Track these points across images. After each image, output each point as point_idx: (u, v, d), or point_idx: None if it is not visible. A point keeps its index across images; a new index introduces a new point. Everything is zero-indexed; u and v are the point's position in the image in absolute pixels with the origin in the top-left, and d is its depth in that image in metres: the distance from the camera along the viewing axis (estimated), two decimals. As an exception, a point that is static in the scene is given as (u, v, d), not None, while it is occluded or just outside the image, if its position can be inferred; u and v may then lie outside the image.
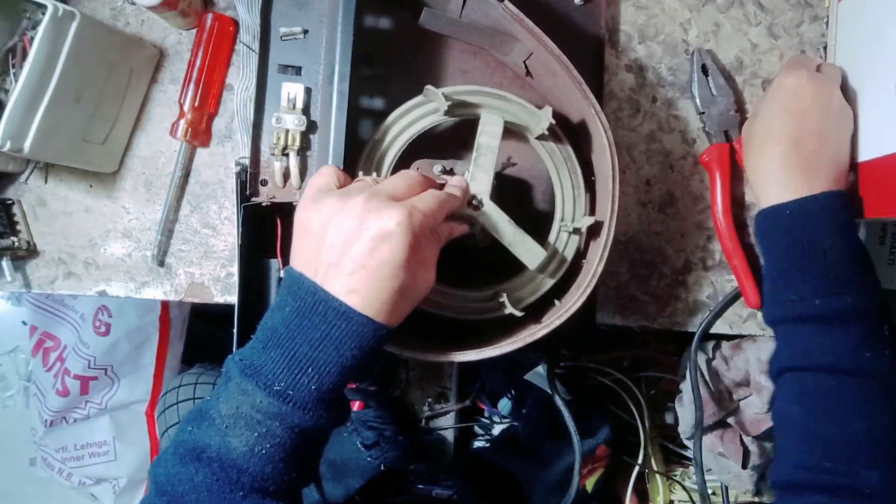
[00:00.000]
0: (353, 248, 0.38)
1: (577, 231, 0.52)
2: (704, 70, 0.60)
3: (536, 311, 0.51)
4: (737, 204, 0.61)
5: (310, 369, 0.37)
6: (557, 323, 0.46)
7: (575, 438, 0.62)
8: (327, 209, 0.39)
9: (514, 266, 0.50)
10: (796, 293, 0.49)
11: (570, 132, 0.53)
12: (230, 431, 0.36)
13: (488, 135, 0.48)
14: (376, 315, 0.38)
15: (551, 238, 0.52)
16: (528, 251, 0.48)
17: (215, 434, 0.36)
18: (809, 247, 0.48)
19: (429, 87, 0.48)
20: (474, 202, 0.47)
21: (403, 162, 0.51)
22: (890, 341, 0.47)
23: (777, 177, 0.51)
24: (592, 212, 0.53)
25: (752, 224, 0.62)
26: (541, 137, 0.51)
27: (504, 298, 0.49)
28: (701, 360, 0.66)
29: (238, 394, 0.37)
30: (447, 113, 0.49)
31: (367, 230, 0.37)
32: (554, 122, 0.49)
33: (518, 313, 0.49)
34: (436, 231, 0.43)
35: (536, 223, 0.51)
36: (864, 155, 0.55)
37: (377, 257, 0.37)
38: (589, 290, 0.47)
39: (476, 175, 0.48)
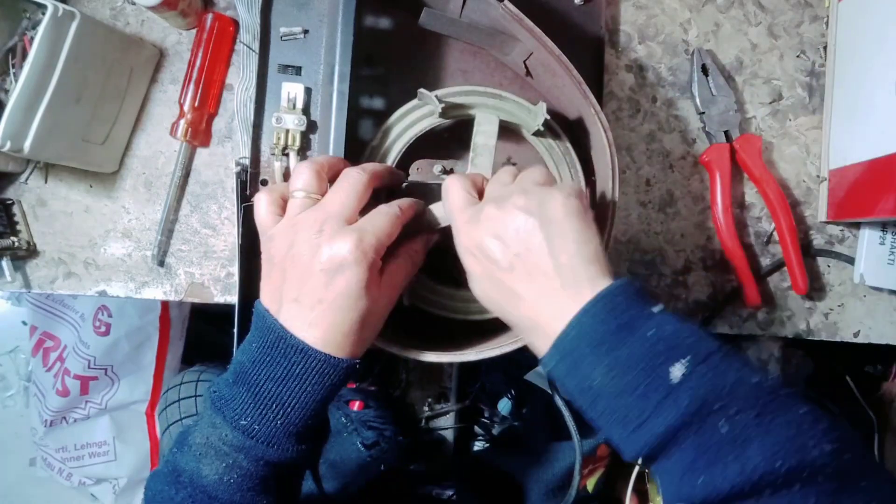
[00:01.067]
0: (309, 282, 0.37)
1: None
2: (704, 70, 0.60)
3: None
4: (737, 204, 0.62)
5: (274, 405, 0.37)
6: (557, 323, 0.46)
7: (576, 438, 0.62)
8: (282, 240, 0.39)
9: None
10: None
11: (569, 133, 0.53)
12: (203, 459, 0.37)
13: (484, 134, 0.48)
14: (337, 350, 0.38)
15: None
16: None
17: (191, 460, 0.38)
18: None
19: (422, 90, 0.48)
20: None
21: (403, 162, 0.51)
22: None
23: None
24: None
25: (752, 224, 0.62)
26: (538, 134, 0.51)
27: None
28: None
29: (209, 426, 0.38)
30: (442, 115, 0.49)
31: (321, 262, 0.37)
32: (549, 117, 0.49)
33: None
34: (406, 252, 0.42)
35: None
36: (865, 155, 0.55)
37: (334, 290, 0.37)
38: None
39: None
